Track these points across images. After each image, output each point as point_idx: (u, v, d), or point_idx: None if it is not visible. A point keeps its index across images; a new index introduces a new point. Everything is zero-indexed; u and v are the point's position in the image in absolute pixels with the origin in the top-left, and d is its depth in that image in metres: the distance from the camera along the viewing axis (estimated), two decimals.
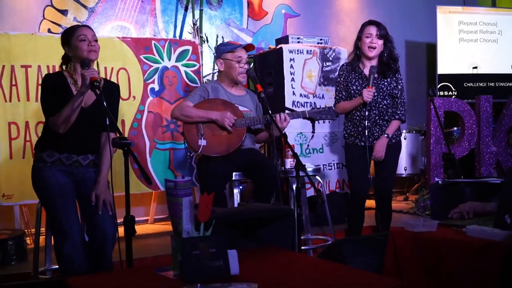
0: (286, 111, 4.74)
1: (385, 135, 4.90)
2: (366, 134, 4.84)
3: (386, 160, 4.91)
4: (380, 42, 4.90)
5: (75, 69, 3.83)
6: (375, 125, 4.90)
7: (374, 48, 4.88)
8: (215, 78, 5.60)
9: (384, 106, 4.91)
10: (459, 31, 8.32)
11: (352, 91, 4.93)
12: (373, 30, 4.89)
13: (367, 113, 4.83)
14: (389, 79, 4.93)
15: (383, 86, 4.91)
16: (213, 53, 6.62)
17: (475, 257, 3.03)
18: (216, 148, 4.56)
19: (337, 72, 5.12)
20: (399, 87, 4.98)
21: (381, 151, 4.89)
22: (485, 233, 3.12)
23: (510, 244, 2.93)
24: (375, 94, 4.85)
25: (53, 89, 3.76)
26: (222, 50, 4.84)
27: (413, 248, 3.37)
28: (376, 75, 4.88)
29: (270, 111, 4.33)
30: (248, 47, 4.87)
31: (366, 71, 4.92)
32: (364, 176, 4.96)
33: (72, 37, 3.79)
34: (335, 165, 6.17)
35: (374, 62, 4.94)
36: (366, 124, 4.83)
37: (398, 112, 4.96)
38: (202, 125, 4.59)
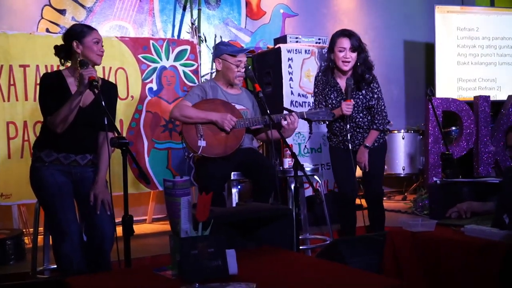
0: (284, 111, 4.73)
1: (364, 146, 4.86)
2: (350, 147, 4.76)
3: (371, 162, 4.89)
4: (354, 55, 4.78)
5: (78, 68, 3.82)
6: (356, 133, 4.87)
7: (349, 62, 4.78)
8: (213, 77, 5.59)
9: (360, 119, 4.87)
10: (456, 30, 8.32)
11: (330, 105, 4.85)
12: (346, 43, 4.76)
13: (348, 126, 4.75)
14: (364, 91, 4.84)
15: (358, 99, 4.82)
16: (211, 52, 6.63)
17: (475, 257, 3.03)
18: (215, 149, 4.54)
19: (313, 82, 5.05)
20: (375, 96, 4.87)
21: (363, 161, 4.86)
22: (484, 233, 3.13)
23: (510, 244, 2.94)
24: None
25: (52, 88, 3.76)
26: (222, 50, 4.80)
27: (412, 248, 3.37)
28: (353, 86, 4.80)
29: (268, 111, 4.32)
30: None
31: (341, 83, 4.84)
32: (350, 178, 4.93)
33: (88, 37, 3.81)
34: None
35: (348, 74, 4.85)
36: (348, 136, 4.76)
37: (376, 121, 4.87)
38: (201, 126, 4.58)
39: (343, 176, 4.95)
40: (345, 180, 4.94)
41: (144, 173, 3.36)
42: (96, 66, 3.87)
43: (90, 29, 3.88)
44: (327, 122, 4.95)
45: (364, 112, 4.87)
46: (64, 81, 3.81)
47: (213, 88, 4.77)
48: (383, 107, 4.91)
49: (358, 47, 4.79)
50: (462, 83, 8.31)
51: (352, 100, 4.74)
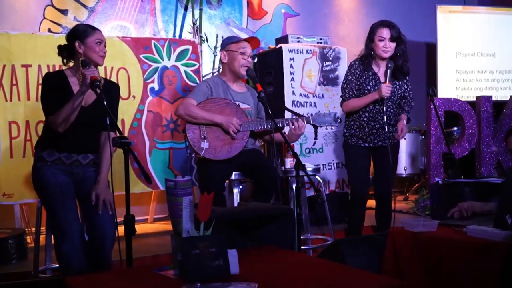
0: (287, 113, 4.72)
1: (405, 114, 4.93)
2: (386, 129, 4.78)
3: (387, 160, 4.88)
4: (393, 44, 4.81)
5: (80, 68, 3.84)
6: (381, 128, 4.86)
7: (388, 51, 4.80)
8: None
9: (392, 111, 4.88)
10: (458, 30, 8.32)
11: (367, 91, 4.84)
12: (386, 33, 4.79)
13: (384, 108, 4.76)
14: (400, 82, 4.90)
15: (394, 89, 4.85)
16: (213, 53, 6.64)
17: (476, 257, 3.04)
18: (219, 152, 4.52)
19: (348, 71, 5.02)
20: (408, 88, 4.95)
21: (405, 131, 4.89)
22: (486, 233, 3.13)
23: (511, 244, 2.94)
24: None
25: (54, 88, 3.76)
26: (226, 42, 4.80)
27: (413, 248, 3.38)
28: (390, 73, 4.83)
29: (270, 111, 4.30)
30: (253, 42, 4.83)
31: (379, 72, 4.87)
32: (365, 177, 4.96)
33: (91, 37, 3.81)
34: (335, 165, 6.16)
35: (385, 63, 4.86)
36: (385, 119, 4.77)
37: (406, 108, 4.96)
38: (205, 127, 4.57)
39: (360, 176, 4.96)
40: (360, 181, 4.96)
41: (145, 173, 3.36)
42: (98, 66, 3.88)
43: (93, 29, 3.88)
44: (333, 128, 4.93)
45: (396, 104, 4.90)
46: (66, 80, 3.82)
47: (218, 85, 4.74)
48: (412, 99, 5.00)
49: (397, 37, 4.82)
50: (463, 83, 8.30)
51: (390, 83, 4.75)
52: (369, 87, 4.85)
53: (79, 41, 3.80)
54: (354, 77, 4.92)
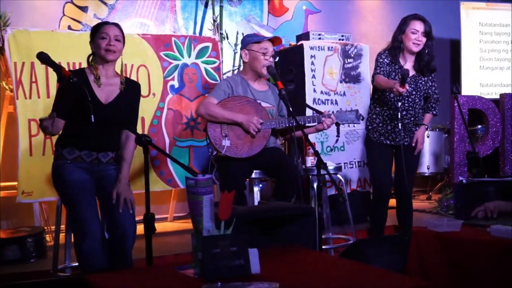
0: (310, 111, 4.69)
1: (424, 126, 4.89)
2: (399, 115, 4.71)
3: (409, 159, 4.84)
4: (425, 39, 4.75)
5: (97, 66, 3.83)
6: (409, 127, 4.81)
7: (419, 44, 4.75)
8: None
9: (420, 109, 4.84)
10: (481, 27, 8.24)
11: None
12: (419, 26, 4.73)
13: (399, 104, 4.68)
14: (426, 78, 4.83)
15: (420, 85, 4.80)
16: (233, 50, 6.60)
17: (501, 257, 3.03)
18: (240, 150, 4.51)
19: (379, 56, 4.89)
20: (435, 85, 4.89)
21: (423, 142, 4.89)
22: (510, 233, 3.11)
23: None
24: (413, 93, 4.76)
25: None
26: (248, 41, 4.77)
27: (437, 248, 3.37)
28: (411, 73, 4.77)
29: (291, 109, 4.26)
30: (275, 40, 4.79)
31: (406, 66, 4.77)
32: (388, 175, 4.91)
33: (96, 33, 3.81)
34: (357, 163, 6.11)
35: (413, 58, 4.82)
36: (398, 116, 4.69)
37: (434, 106, 4.90)
38: (226, 125, 4.55)
39: (382, 175, 4.92)
40: (383, 180, 4.92)
41: (188, 168, 3.39)
42: (118, 64, 3.86)
43: (101, 25, 3.88)
44: (355, 126, 4.89)
45: (422, 101, 4.86)
46: (87, 79, 3.79)
47: (239, 83, 4.72)
48: (439, 96, 4.94)
49: (429, 33, 4.78)
50: (487, 81, 8.22)
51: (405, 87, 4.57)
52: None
53: (91, 41, 3.83)
54: (380, 71, 4.80)
